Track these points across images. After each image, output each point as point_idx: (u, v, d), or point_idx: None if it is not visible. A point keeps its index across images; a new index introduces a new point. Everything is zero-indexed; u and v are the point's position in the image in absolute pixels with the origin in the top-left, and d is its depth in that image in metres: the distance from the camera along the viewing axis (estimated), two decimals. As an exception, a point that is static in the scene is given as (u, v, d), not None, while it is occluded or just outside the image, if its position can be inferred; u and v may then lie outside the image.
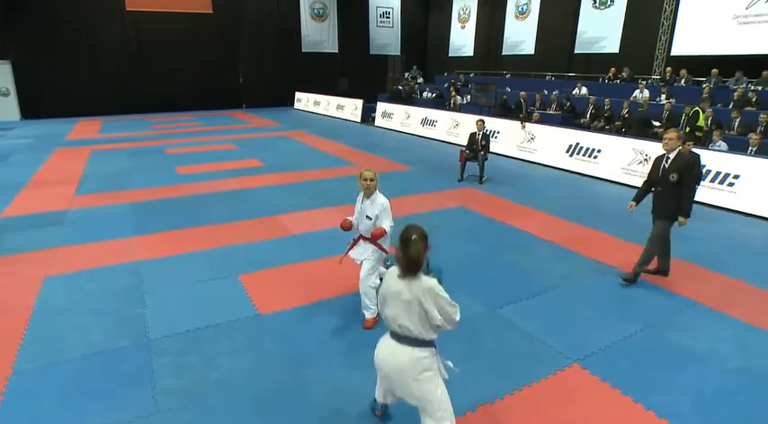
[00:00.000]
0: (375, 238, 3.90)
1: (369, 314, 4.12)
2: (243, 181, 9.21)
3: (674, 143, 4.71)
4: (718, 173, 7.72)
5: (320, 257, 5.52)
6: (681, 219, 4.79)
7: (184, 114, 20.35)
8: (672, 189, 4.74)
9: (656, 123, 11.06)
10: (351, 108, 19.62)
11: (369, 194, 3.99)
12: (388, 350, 2.54)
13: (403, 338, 2.48)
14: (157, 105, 20.61)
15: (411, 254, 2.37)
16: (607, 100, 12.42)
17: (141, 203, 7.65)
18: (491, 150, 9.83)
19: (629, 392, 3.32)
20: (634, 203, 5.13)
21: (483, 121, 9.60)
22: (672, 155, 4.75)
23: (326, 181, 9.38)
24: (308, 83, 22.82)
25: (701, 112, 9.80)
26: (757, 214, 7.24)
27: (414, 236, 2.38)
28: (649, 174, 5.03)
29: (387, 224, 3.92)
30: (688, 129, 9.74)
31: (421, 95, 19.28)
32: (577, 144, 10.26)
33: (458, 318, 2.46)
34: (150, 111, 20.38)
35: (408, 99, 18.79)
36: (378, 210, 3.92)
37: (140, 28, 19.69)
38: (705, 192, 7.61)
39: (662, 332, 4.09)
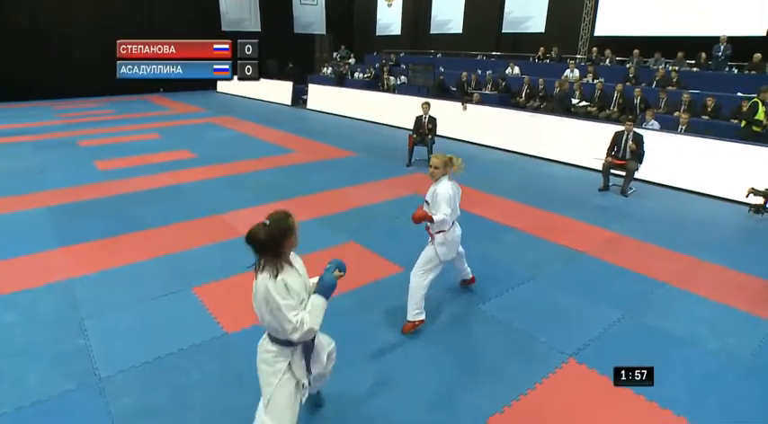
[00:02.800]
0: (414, 220, 3.60)
1: (409, 315, 3.81)
2: (176, 175, 8.38)
3: None
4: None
5: (281, 260, 5.07)
6: None
7: (93, 100, 18.33)
8: None
9: (575, 100, 11.57)
10: (280, 90, 18.68)
11: (435, 180, 3.78)
12: None
13: None
14: (59, 90, 18.26)
15: (249, 233, 2.20)
16: (541, 79, 12.69)
17: (60, 207, 6.65)
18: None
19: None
20: None
21: (428, 104, 9.40)
22: None
23: (269, 171, 8.79)
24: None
25: (760, 104, 8.34)
26: (691, 189, 7.68)
27: (265, 222, 2.21)
28: None
29: (440, 211, 3.61)
30: (744, 123, 8.48)
31: (352, 76, 18.75)
32: (519, 124, 10.38)
33: (295, 336, 2.22)
34: (51, 98, 18.08)
35: (340, 81, 18.21)
36: (433, 196, 3.69)
37: (30, -1, 17.25)
38: (642, 169, 7.95)
39: (641, 317, 4.14)
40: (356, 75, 18.69)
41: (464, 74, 13.96)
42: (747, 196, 6.39)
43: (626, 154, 7.49)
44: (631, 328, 3.99)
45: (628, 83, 11.37)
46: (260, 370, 2.37)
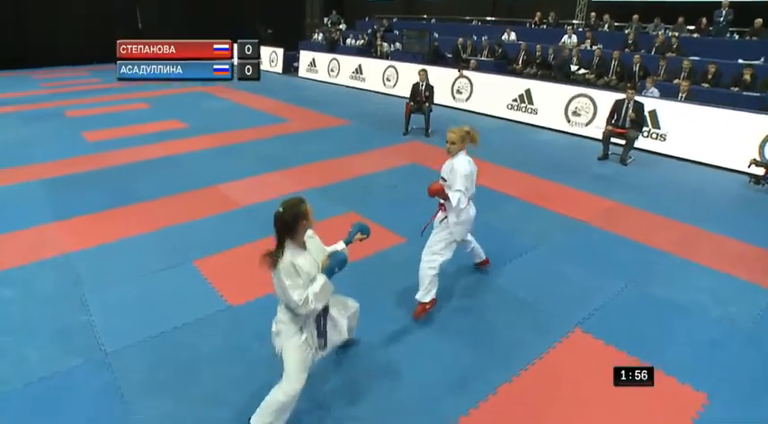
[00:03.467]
0: (429, 193, 3.38)
1: (418, 295, 3.62)
2: (167, 146, 8.19)
3: None
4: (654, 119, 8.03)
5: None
6: None
7: (77, 69, 17.73)
8: None
9: (574, 67, 11.39)
10: (271, 57, 18.22)
11: (452, 155, 3.55)
12: None
13: None
14: (39, 59, 17.61)
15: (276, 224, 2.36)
16: (538, 46, 12.43)
17: (53, 180, 6.49)
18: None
19: (635, 353, 3.32)
20: None
21: (425, 71, 9.20)
22: None
23: (263, 141, 8.62)
24: (220, 32, 20.72)
25: None
26: (691, 158, 7.66)
27: (279, 209, 2.35)
28: None
29: (454, 187, 3.39)
30: None
31: (344, 43, 18.27)
32: (516, 91, 10.22)
33: (302, 311, 2.42)
34: (31, 67, 17.43)
35: (331, 47, 17.75)
36: (450, 172, 3.46)
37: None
38: (642, 138, 7.91)
39: (645, 287, 4.17)
40: (348, 41, 18.20)
41: (459, 40, 13.64)
42: (749, 166, 6.40)
43: (626, 123, 7.41)
44: (635, 297, 4.02)
45: (626, 50, 11.17)
46: (277, 335, 2.60)
